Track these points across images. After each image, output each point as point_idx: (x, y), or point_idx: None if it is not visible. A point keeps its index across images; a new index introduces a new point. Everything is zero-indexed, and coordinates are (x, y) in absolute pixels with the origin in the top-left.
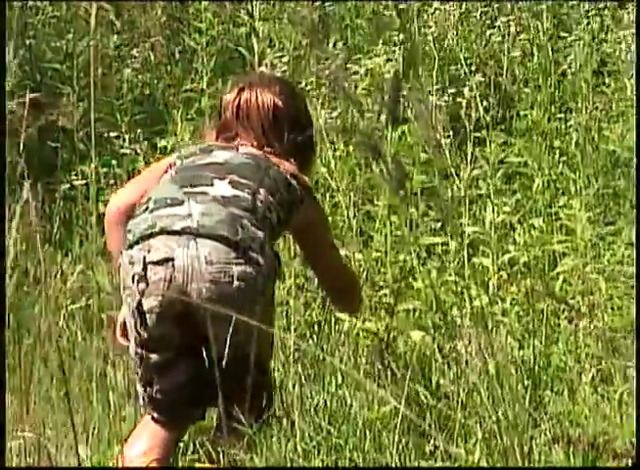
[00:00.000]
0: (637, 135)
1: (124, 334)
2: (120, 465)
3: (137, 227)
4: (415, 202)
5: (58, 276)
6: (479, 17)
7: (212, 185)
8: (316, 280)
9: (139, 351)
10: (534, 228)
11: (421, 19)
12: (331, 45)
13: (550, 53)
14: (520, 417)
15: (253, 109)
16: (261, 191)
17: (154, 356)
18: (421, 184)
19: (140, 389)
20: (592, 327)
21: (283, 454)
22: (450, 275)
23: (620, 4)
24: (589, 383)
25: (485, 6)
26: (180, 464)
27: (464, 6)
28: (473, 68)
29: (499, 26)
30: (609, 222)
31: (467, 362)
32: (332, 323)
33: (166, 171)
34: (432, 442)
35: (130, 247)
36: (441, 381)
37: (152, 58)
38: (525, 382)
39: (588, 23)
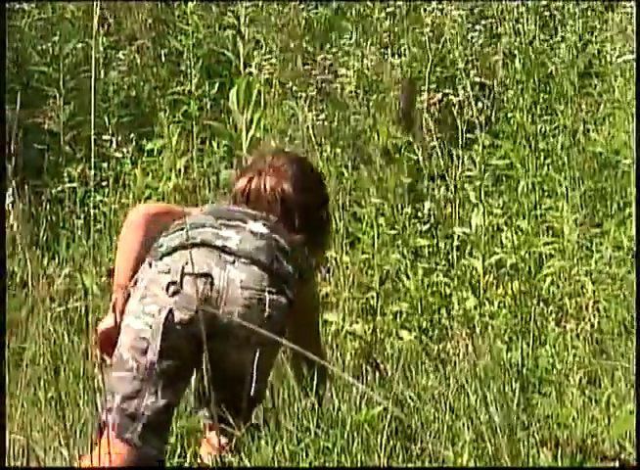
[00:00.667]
0: (637, 134)
1: (109, 345)
2: None
3: (173, 241)
4: (403, 203)
5: (44, 279)
6: (464, 18)
7: (247, 222)
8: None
9: (144, 361)
10: (521, 230)
11: (410, 19)
12: (317, 48)
13: (535, 55)
14: (508, 419)
15: (262, 197)
16: (286, 245)
17: (165, 364)
18: (409, 186)
19: (113, 414)
20: (580, 329)
21: (270, 456)
22: (438, 277)
23: (607, 5)
24: (577, 385)
25: (474, 7)
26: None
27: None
28: (461, 69)
29: (480, 30)
30: (595, 224)
31: (455, 364)
32: (318, 325)
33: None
34: (419, 444)
35: (161, 258)
36: (429, 383)
37: (138, 60)
38: (513, 384)
39: (573, 25)
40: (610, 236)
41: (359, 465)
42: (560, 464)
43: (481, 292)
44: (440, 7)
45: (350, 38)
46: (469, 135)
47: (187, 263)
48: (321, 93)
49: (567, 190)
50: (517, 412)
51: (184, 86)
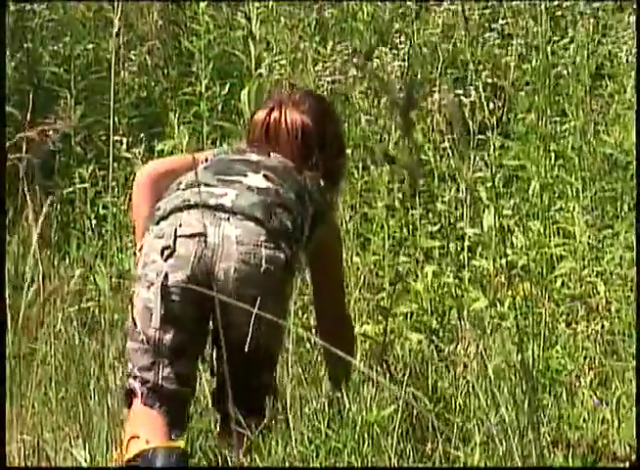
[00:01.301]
0: (637, 137)
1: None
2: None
3: (168, 204)
4: (413, 204)
5: (56, 279)
6: (477, 19)
7: (246, 176)
8: (314, 313)
9: (151, 333)
10: (532, 231)
11: (422, 21)
12: (328, 48)
13: (547, 56)
14: (518, 420)
15: (282, 129)
16: (291, 193)
17: (168, 337)
18: (420, 187)
19: (138, 376)
20: (590, 330)
21: (281, 457)
22: (448, 278)
23: (617, 6)
24: (588, 386)
25: (483, 8)
26: None
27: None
28: (472, 70)
29: (497, 29)
30: (606, 225)
31: (465, 366)
32: None
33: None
34: (430, 445)
35: (158, 222)
36: (440, 384)
37: (149, 61)
38: (524, 385)
39: (584, 25)
40: (621, 237)
41: (370, 466)
42: (571, 465)
43: (492, 293)
44: (452, 8)
45: (361, 39)
46: (480, 136)
47: (180, 225)
48: (331, 94)
49: (578, 191)
50: (527, 413)
51: (195, 87)
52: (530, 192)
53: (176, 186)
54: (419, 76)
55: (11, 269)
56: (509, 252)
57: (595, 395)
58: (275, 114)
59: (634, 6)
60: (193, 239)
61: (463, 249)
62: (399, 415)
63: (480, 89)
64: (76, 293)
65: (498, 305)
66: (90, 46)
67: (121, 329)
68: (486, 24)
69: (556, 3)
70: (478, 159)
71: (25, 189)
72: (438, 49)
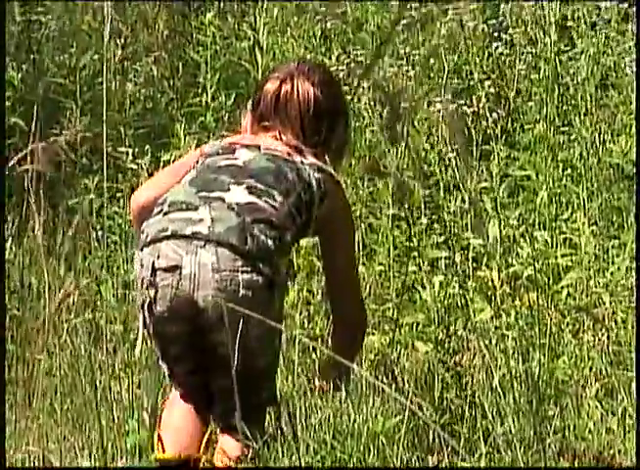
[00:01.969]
0: (637, 147)
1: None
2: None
3: (150, 229)
4: (419, 215)
5: (61, 290)
6: (485, 29)
7: (229, 190)
8: (324, 292)
9: (155, 342)
10: (538, 242)
11: (427, 31)
12: (334, 59)
13: (556, 66)
14: (524, 431)
15: (293, 103)
16: (278, 198)
17: (169, 348)
18: (424, 197)
19: (163, 364)
20: (596, 341)
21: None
22: (454, 288)
23: (623, 16)
24: (594, 397)
25: (491, 18)
26: None
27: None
28: (477, 80)
29: (505, 39)
30: (613, 236)
31: (471, 376)
32: None
33: (192, 167)
34: (436, 456)
35: (142, 249)
36: (446, 395)
37: (154, 72)
38: (530, 396)
39: (591, 36)
40: (627, 248)
41: None
42: None
43: (498, 303)
44: (457, 18)
45: (367, 50)
46: (485, 146)
47: (158, 257)
48: None
49: (584, 201)
50: (533, 424)
51: (201, 98)
52: (537, 202)
53: (160, 206)
54: (424, 87)
55: (17, 280)
56: (514, 262)
57: (601, 405)
58: (287, 86)
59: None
60: (169, 272)
61: (468, 259)
62: (405, 426)
63: (483, 99)
64: (82, 303)
65: (504, 315)
66: (96, 57)
67: (127, 340)
68: (495, 34)
69: (565, 14)
70: (483, 169)
71: (32, 200)
72: (443, 59)
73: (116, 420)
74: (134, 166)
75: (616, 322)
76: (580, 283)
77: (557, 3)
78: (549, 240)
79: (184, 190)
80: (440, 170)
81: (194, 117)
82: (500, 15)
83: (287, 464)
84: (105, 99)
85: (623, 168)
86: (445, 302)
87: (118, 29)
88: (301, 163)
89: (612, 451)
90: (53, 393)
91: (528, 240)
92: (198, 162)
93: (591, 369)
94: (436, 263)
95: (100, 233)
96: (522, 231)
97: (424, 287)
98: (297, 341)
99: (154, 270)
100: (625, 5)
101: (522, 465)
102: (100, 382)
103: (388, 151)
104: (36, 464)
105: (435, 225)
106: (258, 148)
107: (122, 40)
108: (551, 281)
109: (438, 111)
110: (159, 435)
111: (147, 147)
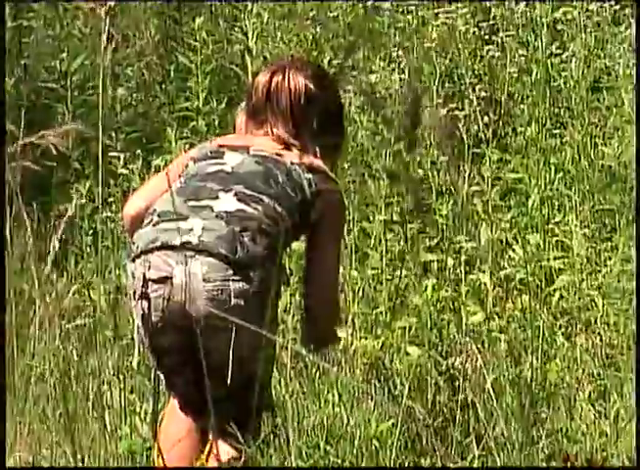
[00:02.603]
0: (637, 150)
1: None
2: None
3: (141, 240)
4: (411, 219)
5: (53, 295)
6: (477, 32)
7: (217, 198)
8: (303, 281)
9: (151, 355)
10: (530, 244)
11: (421, 34)
12: (325, 63)
13: (547, 69)
14: (517, 434)
15: (284, 93)
16: (268, 202)
17: (165, 360)
18: (417, 201)
19: (160, 374)
20: (589, 343)
21: None
22: (447, 292)
23: (615, 18)
24: (586, 399)
25: (483, 21)
26: None
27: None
28: (469, 83)
29: (496, 42)
30: (605, 238)
31: (464, 379)
32: None
33: (180, 175)
34: (429, 459)
35: (133, 260)
36: (438, 398)
37: (146, 76)
38: (523, 399)
39: (582, 39)
40: (619, 250)
41: None
42: None
43: (490, 306)
44: (449, 22)
45: (358, 54)
46: (477, 149)
47: (149, 268)
48: None
49: (576, 204)
50: (526, 427)
51: (192, 102)
52: (529, 205)
53: (150, 216)
54: (418, 91)
55: (8, 286)
56: (507, 265)
57: (594, 408)
58: (278, 77)
59: (631, 19)
60: (160, 283)
61: (461, 262)
62: (398, 430)
63: (475, 103)
64: (74, 309)
65: (496, 318)
66: (87, 62)
67: (119, 345)
68: (486, 37)
69: (556, 15)
70: (475, 172)
71: (22, 205)
72: (435, 63)
73: (109, 426)
74: (125, 171)
75: (608, 325)
76: (573, 286)
77: (548, 6)
78: (541, 243)
79: (172, 199)
80: (433, 174)
81: (185, 121)
82: (491, 18)
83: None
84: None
85: (615, 171)
86: (438, 305)
87: (110, 34)
88: (291, 163)
89: (604, 454)
90: (45, 399)
91: (520, 243)
92: (187, 166)
93: (584, 372)
94: (429, 267)
95: (91, 238)
96: (514, 234)
97: (416, 291)
98: (289, 345)
99: (145, 281)
100: (617, 7)
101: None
102: (92, 388)
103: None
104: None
105: (428, 229)
106: (247, 150)
107: (114, 45)
108: (543, 284)
109: (431, 114)
110: (158, 447)
111: (138, 152)
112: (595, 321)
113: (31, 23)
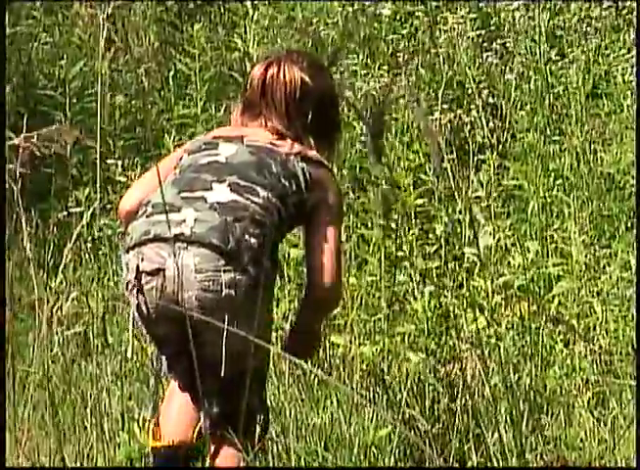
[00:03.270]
0: (637, 156)
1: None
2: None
3: (134, 232)
4: (410, 225)
5: (52, 302)
6: (476, 38)
7: (211, 189)
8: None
9: (151, 341)
10: (529, 251)
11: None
12: None
13: (547, 76)
14: (516, 441)
15: (279, 84)
16: (261, 192)
17: (164, 349)
18: (416, 207)
19: (162, 357)
20: (588, 350)
21: None
22: (446, 298)
23: (614, 25)
24: (585, 406)
25: (482, 28)
26: None
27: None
28: (469, 90)
29: (496, 49)
30: (604, 245)
31: (463, 386)
32: (327, 348)
33: (175, 167)
34: (428, 466)
35: (127, 251)
36: (437, 405)
37: (145, 83)
38: (522, 405)
39: (582, 45)
40: (618, 257)
41: None
42: None
43: (490, 313)
44: (453, 28)
45: (357, 60)
46: (483, 156)
47: (142, 260)
48: None
49: (575, 211)
50: (525, 433)
51: (190, 109)
52: (528, 211)
53: (144, 207)
54: (422, 97)
55: (7, 292)
56: (506, 271)
57: (592, 415)
58: (273, 69)
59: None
60: (153, 275)
61: (461, 269)
62: (396, 436)
63: (475, 109)
64: (73, 316)
65: (496, 324)
66: (86, 69)
67: (117, 352)
68: (486, 44)
69: (556, 23)
70: (475, 179)
71: (21, 212)
72: (440, 68)
73: (107, 432)
74: (124, 179)
75: (607, 331)
76: (571, 292)
77: (547, 13)
78: (540, 249)
79: (166, 191)
80: (434, 180)
81: (184, 128)
82: (491, 25)
83: None
84: (99, 111)
85: (614, 177)
86: (437, 311)
87: (109, 41)
88: (286, 153)
89: (603, 461)
90: (43, 405)
91: (520, 249)
92: (181, 159)
93: (582, 379)
94: (428, 274)
95: (90, 245)
96: (513, 240)
97: (415, 297)
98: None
99: (138, 273)
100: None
101: None
102: (91, 394)
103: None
104: None
105: (429, 235)
106: (241, 140)
107: (113, 51)
108: (542, 290)
109: (435, 120)
110: (156, 422)
111: (136, 159)
112: (594, 328)
113: (30, 29)
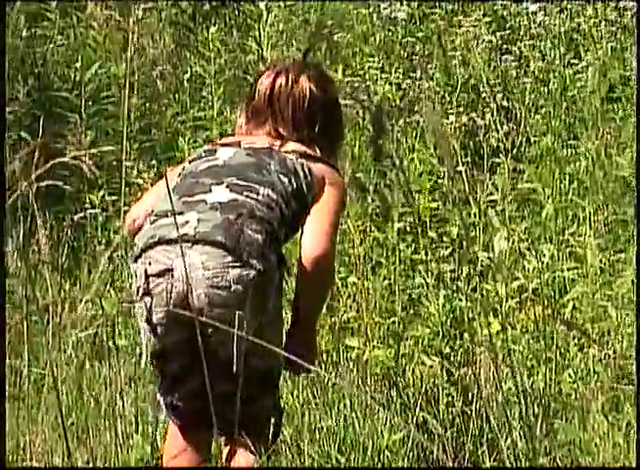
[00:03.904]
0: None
1: None
2: None
3: (140, 240)
4: (425, 229)
5: (66, 305)
6: (491, 42)
7: (210, 191)
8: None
9: (155, 362)
10: (544, 255)
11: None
12: (340, 73)
13: (563, 79)
14: (530, 445)
15: (287, 94)
16: (261, 190)
17: (170, 365)
18: (431, 211)
19: (161, 398)
20: (602, 354)
21: None
22: (461, 302)
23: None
24: (600, 410)
25: (499, 31)
26: None
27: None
28: (484, 94)
29: (513, 52)
30: (618, 249)
31: (477, 390)
32: (340, 351)
33: (178, 175)
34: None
35: (135, 260)
36: (451, 408)
37: (160, 86)
38: (536, 409)
39: (597, 49)
40: (633, 261)
41: None
42: None
43: (504, 317)
44: (469, 31)
45: (373, 63)
46: (499, 159)
47: (150, 264)
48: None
49: (590, 215)
50: (539, 438)
51: (206, 111)
52: (544, 215)
53: (149, 218)
54: (437, 100)
55: (21, 294)
56: (521, 275)
57: (607, 419)
58: (281, 79)
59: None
60: (161, 277)
61: (475, 272)
62: (410, 440)
63: (495, 112)
64: (87, 318)
65: (510, 328)
66: (101, 71)
67: (131, 354)
68: (504, 47)
69: (573, 26)
70: (490, 183)
71: (37, 214)
72: (456, 72)
73: (121, 435)
74: (139, 181)
75: (622, 335)
76: (586, 296)
77: (564, 16)
78: (555, 253)
79: (168, 198)
80: (448, 183)
81: (199, 130)
82: (507, 28)
83: None
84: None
85: (630, 182)
86: (452, 315)
87: (126, 43)
88: (285, 152)
89: (617, 465)
90: (57, 407)
91: (534, 253)
92: (184, 169)
93: (597, 383)
94: (442, 277)
95: (104, 247)
96: (528, 244)
97: (430, 301)
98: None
99: (147, 277)
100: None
101: None
102: (104, 396)
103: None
104: None
105: (444, 238)
106: (239, 144)
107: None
108: (557, 295)
109: (450, 123)
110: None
111: (152, 161)
112: (608, 332)
113: (45, 31)
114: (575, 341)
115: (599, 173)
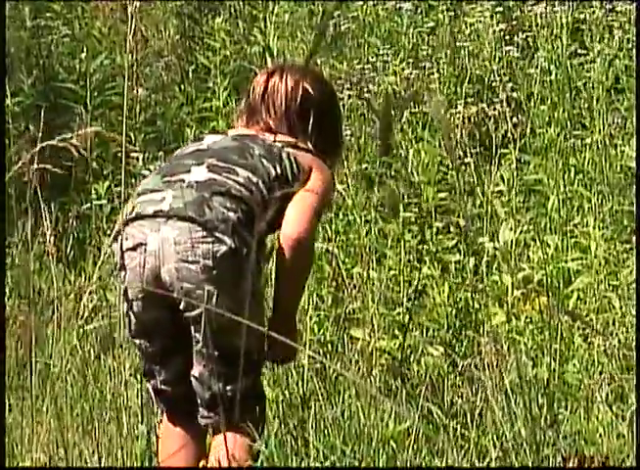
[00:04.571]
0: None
1: None
2: None
3: (122, 219)
4: (431, 219)
5: (71, 296)
6: (497, 32)
7: (190, 172)
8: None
9: (137, 341)
10: (549, 246)
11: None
12: (345, 64)
13: (568, 70)
14: (534, 435)
15: (280, 92)
16: (241, 172)
17: (152, 345)
18: (436, 202)
19: (147, 383)
20: (607, 345)
21: None
22: (466, 292)
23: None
24: (604, 401)
25: (504, 22)
26: None
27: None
28: (491, 84)
29: (517, 42)
30: (624, 240)
31: (482, 380)
32: (345, 342)
33: None
34: (446, 460)
35: (115, 239)
36: (456, 399)
37: (165, 77)
38: (540, 400)
39: (603, 39)
40: (637, 252)
41: None
42: None
43: (509, 307)
44: (477, 21)
45: (378, 54)
46: (507, 150)
47: (126, 239)
48: (348, 109)
49: (594, 206)
50: (543, 428)
51: (211, 103)
52: (548, 206)
53: (131, 198)
54: (444, 91)
55: (27, 285)
56: (526, 266)
57: (611, 410)
58: (276, 77)
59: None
60: (135, 251)
61: (481, 263)
62: (415, 431)
63: (504, 103)
64: (92, 309)
65: (515, 319)
66: (106, 62)
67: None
68: (507, 38)
69: (579, 17)
70: (495, 173)
71: (42, 205)
72: (464, 62)
73: (126, 426)
74: (145, 172)
75: (626, 326)
76: (591, 287)
77: (569, 7)
78: (560, 244)
79: (151, 179)
80: (456, 174)
81: (204, 121)
82: (513, 19)
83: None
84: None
85: (634, 172)
86: (457, 306)
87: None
88: (272, 141)
89: (621, 455)
90: (62, 398)
91: (539, 244)
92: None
93: (601, 373)
94: (448, 267)
95: (109, 239)
96: (533, 235)
97: (435, 291)
98: (306, 345)
99: (122, 252)
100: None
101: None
102: (109, 388)
103: (403, 156)
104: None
105: (449, 229)
106: (226, 132)
107: (134, 45)
108: (561, 285)
109: (457, 114)
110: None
111: (158, 152)
112: (613, 323)
113: (50, 22)
114: (580, 332)
115: (604, 164)
